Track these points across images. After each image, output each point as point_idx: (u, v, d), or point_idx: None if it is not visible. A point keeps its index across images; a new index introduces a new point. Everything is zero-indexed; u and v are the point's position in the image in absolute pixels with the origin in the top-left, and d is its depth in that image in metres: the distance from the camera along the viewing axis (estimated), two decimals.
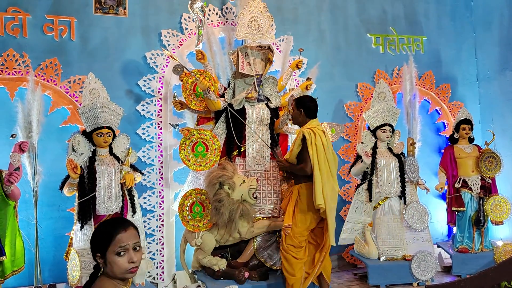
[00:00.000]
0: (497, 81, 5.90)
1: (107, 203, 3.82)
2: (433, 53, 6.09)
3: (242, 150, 4.32)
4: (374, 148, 4.86)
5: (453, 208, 5.08)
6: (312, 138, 3.80)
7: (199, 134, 4.20)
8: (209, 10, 4.97)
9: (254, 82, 4.33)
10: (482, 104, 6.17)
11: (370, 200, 4.74)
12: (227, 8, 5.10)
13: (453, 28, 6.20)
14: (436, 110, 6.03)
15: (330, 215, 3.80)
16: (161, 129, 4.80)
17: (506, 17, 5.74)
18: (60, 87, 4.46)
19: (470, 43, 6.25)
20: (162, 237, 4.70)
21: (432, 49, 6.09)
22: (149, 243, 4.62)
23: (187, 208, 4.16)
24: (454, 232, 5.27)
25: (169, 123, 4.56)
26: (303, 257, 3.90)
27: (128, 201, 3.98)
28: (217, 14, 5.04)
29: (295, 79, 5.22)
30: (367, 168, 4.79)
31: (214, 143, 4.23)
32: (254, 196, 4.13)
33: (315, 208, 3.83)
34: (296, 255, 3.87)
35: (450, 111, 5.98)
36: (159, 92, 4.80)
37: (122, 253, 1.82)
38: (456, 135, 5.24)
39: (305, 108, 3.97)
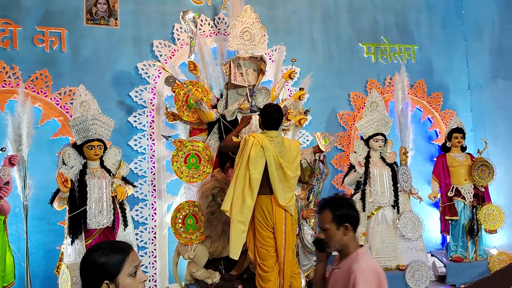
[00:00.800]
0: (489, 89, 5.93)
1: (98, 217, 3.78)
2: (425, 62, 6.12)
3: (235, 161, 4.29)
4: (367, 157, 4.86)
5: (447, 217, 5.08)
6: (243, 148, 3.64)
7: (192, 145, 4.18)
8: (201, 20, 4.97)
9: (246, 93, 4.32)
10: (474, 112, 6.19)
11: (364, 210, 4.73)
12: (219, 18, 5.10)
13: (445, 37, 6.24)
14: (428, 118, 6.05)
15: (232, 226, 3.62)
16: (153, 140, 4.76)
17: (497, 26, 5.78)
18: (51, 99, 4.42)
19: (461, 52, 6.28)
20: (155, 249, 4.65)
21: (423, 58, 6.11)
22: (142, 256, 4.57)
23: (180, 221, 4.13)
24: (447, 241, 5.27)
25: (162, 135, 4.53)
26: (273, 268, 3.71)
27: (120, 215, 3.94)
28: (209, 24, 5.03)
29: (288, 89, 5.21)
30: (360, 177, 4.79)
31: (207, 155, 4.21)
32: None
33: (265, 219, 3.70)
34: (266, 267, 3.69)
35: (442, 120, 5.99)
36: (151, 103, 4.77)
37: (134, 274, 1.77)
38: (448, 144, 5.26)
39: (264, 117, 3.79)
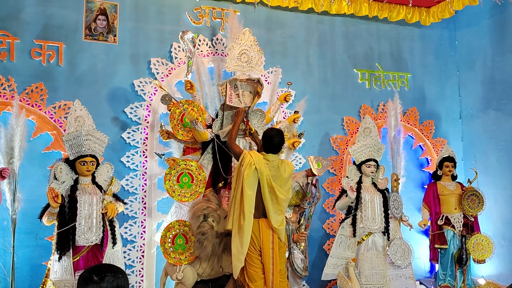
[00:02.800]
0: (480, 120, 6.01)
1: (87, 233, 3.73)
2: (418, 90, 6.21)
3: (228, 182, 4.29)
4: (359, 182, 4.87)
5: (436, 245, 5.09)
6: (241, 164, 3.69)
7: (185, 164, 4.17)
8: (199, 40, 5.01)
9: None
10: (465, 142, 6.27)
11: (354, 235, 4.72)
12: (217, 39, 5.15)
13: (438, 66, 6.35)
14: (420, 146, 6.11)
15: (233, 247, 3.65)
16: (146, 157, 4.75)
17: (489, 57, 5.90)
18: (45, 112, 4.40)
19: (453, 82, 6.39)
20: (142, 269, 4.59)
21: (416, 86, 6.21)
22: (129, 274, 4.50)
23: (169, 240, 4.08)
24: (436, 269, 5.26)
25: (155, 152, 4.52)
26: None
27: (109, 232, 3.89)
28: (207, 44, 5.08)
29: (283, 112, 5.25)
30: (352, 202, 4.79)
31: (199, 174, 4.19)
32: None
33: (252, 242, 3.70)
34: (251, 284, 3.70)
35: (433, 147, 6.06)
36: (145, 120, 4.77)
37: None
38: (439, 172, 5.30)
39: (264, 141, 3.86)
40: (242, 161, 3.72)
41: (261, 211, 3.72)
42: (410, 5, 5.41)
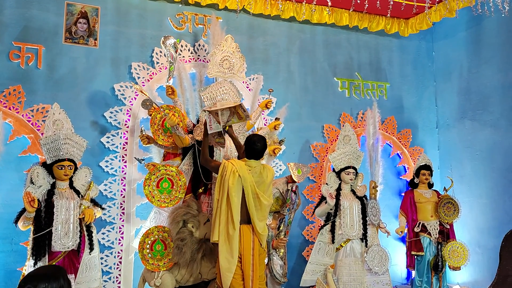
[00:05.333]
0: (456, 129, 6.15)
1: (64, 239, 3.66)
2: (396, 99, 6.32)
3: (208, 187, 4.28)
4: (338, 189, 4.92)
5: (413, 252, 5.16)
6: (223, 174, 3.65)
7: (165, 169, 4.14)
8: (181, 46, 5.01)
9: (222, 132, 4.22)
10: (441, 150, 6.40)
11: (333, 242, 4.76)
12: (199, 45, 5.16)
13: (415, 77, 6.48)
14: (397, 154, 6.21)
15: (220, 257, 3.60)
16: (125, 162, 4.70)
17: (465, 69, 6.06)
18: (22, 115, 4.33)
19: (431, 92, 6.53)
20: (120, 275, 4.53)
21: (394, 95, 6.32)
22: (105, 281, 4.44)
23: (148, 246, 4.04)
24: (413, 276, 5.33)
25: (135, 157, 4.48)
26: None
27: (86, 238, 3.84)
28: (189, 50, 5.08)
29: (264, 118, 5.28)
30: (331, 209, 4.83)
31: (180, 180, 4.17)
32: None
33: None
34: None
35: (410, 156, 6.17)
36: (125, 124, 4.73)
37: None
38: (416, 180, 5.39)
39: (247, 147, 3.83)
40: (224, 171, 3.68)
41: (244, 218, 3.71)
42: (389, 16, 5.52)
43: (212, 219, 3.68)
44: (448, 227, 5.16)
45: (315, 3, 4.36)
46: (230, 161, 3.75)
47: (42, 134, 4.19)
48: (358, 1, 4.43)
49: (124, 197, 4.66)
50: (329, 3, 4.49)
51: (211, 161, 3.92)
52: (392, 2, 4.58)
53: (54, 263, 3.62)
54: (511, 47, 5.42)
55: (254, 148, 3.78)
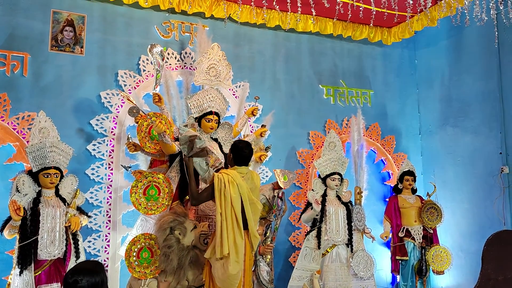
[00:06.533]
0: (438, 135, 6.28)
1: (50, 247, 3.65)
2: (380, 106, 6.43)
3: None
4: (324, 195, 4.98)
5: (397, 257, 5.24)
6: (222, 187, 3.62)
7: (152, 177, 4.14)
8: (168, 53, 5.04)
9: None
10: (424, 156, 6.52)
11: (319, 247, 4.80)
12: (186, 53, 5.19)
13: (398, 84, 6.61)
14: (382, 160, 6.31)
15: (230, 268, 3.54)
16: (111, 169, 4.70)
17: (447, 77, 6.20)
18: (8, 123, 4.30)
19: (413, 99, 6.66)
20: None
21: (378, 102, 6.43)
22: None
23: (134, 254, 4.02)
24: (397, 281, 5.41)
25: (121, 165, 4.48)
26: None
27: (72, 246, 3.82)
28: (175, 58, 5.12)
29: (250, 125, 5.33)
30: (317, 215, 4.88)
31: (166, 187, 4.17)
32: (205, 242, 4.08)
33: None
34: None
35: (394, 162, 6.27)
36: (112, 132, 4.73)
37: None
38: (400, 186, 5.48)
39: (235, 153, 3.81)
40: (221, 184, 3.61)
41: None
42: (372, 25, 5.62)
43: (217, 233, 3.59)
44: (432, 231, 5.26)
45: (300, 12, 4.43)
46: (222, 172, 3.72)
47: (27, 142, 4.17)
48: (342, 11, 4.51)
49: (110, 204, 4.65)
50: (314, 13, 4.57)
51: (202, 192, 3.82)
52: (374, 12, 4.68)
53: (40, 272, 3.60)
54: (491, 56, 5.58)
55: (242, 154, 3.79)
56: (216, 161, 4.16)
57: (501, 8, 4.78)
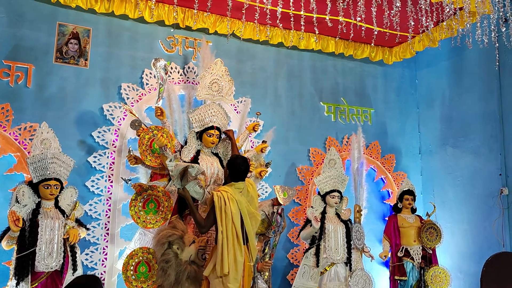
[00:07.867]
0: (438, 155, 6.29)
1: (47, 259, 3.62)
2: (380, 125, 6.46)
3: None
4: (323, 213, 4.96)
5: (396, 277, 5.19)
6: (222, 204, 3.62)
7: (152, 190, 4.14)
8: (171, 68, 5.09)
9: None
10: (424, 176, 6.52)
11: (318, 265, 4.77)
12: (189, 67, 5.24)
13: (399, 103, 6.64)
14: (381, 178, 6.31)
15: (230, 285, 3.55)
16: (111, 182, 4.70)
17: (447, 97, 6.24)
18: (10, 133, 4.31)
19: (414, 118, 6.69)
20: None
21: (379, 121, 6.46)
22: None
23: (131, 268, 4.01)
24: None
25: (121, 178, 4.47)
26: None
27: (70, 258, 3.79)
28: (178, 72, 5.16)
29: (251, 141, 5.34)
30: (316, 232, 4.86)
31: (166, 201, 4.17)
32: (203, 257, 4.06)
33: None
34: None
35: (394, 180, 6.27)
36: (113, 144, 4.74)
37: None
38: (399, 205, 5.47)
39: (231, 169, 3.83)
40: (221, 201, 3.62)
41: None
42: (373, 44, 5.68)
43: (218, 251, 3.58)
44: (431, 252, 5.23)
45: (303, 30, 4.48)
46: (220, 190, 3.73)
47: (28, 152, 4.18)
48: (344, 30, 4.56)
49: (109, 217, 4.63)
50: (317, 31, 4.61)
51: (207, 218, 3.79)
52: (376, 32, 4.73)
53: (36, 284, 3.58)
54: (491, 77, 5.62)
55: (239, 170, 3.81)
56: (205, 177, 4.16)
57: (502, 30, 4.84)
